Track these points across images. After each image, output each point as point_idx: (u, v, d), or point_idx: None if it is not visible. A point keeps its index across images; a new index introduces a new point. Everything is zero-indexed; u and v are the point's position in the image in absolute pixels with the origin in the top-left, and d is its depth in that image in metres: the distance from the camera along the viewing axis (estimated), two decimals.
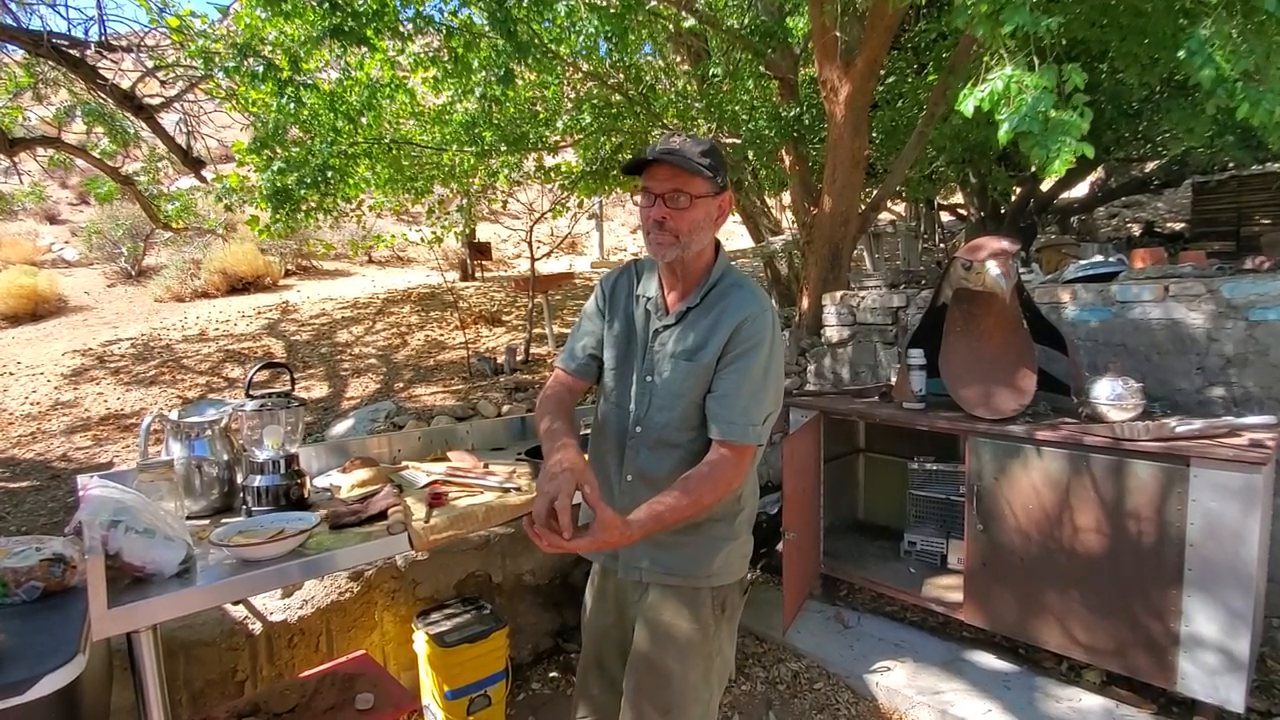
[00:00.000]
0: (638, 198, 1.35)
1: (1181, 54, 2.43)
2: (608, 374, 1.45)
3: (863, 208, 4.88)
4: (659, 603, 1.38)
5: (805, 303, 4.83)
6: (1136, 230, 9.91)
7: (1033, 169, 2.47)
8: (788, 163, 5.29)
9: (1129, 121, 6.06)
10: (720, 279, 1.37)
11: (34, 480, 4.12)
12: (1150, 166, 9.05)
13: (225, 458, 1.82)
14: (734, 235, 12.08)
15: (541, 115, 5.71)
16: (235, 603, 2.04)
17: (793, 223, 7.13)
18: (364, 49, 4.03)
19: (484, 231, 12.74)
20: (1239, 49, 2.32)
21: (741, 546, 1.42)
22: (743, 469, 1.29)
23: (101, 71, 4.89)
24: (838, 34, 4.11)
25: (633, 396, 1.39)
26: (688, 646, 1.36)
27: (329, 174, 4.47)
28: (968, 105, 2.53)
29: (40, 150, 5.82)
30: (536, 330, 6.61)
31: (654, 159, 1.28)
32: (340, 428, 4.41)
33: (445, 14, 4.27)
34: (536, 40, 4.05)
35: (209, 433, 1.81)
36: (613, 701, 1.46)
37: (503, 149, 5.46)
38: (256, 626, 2.05)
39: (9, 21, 4.60)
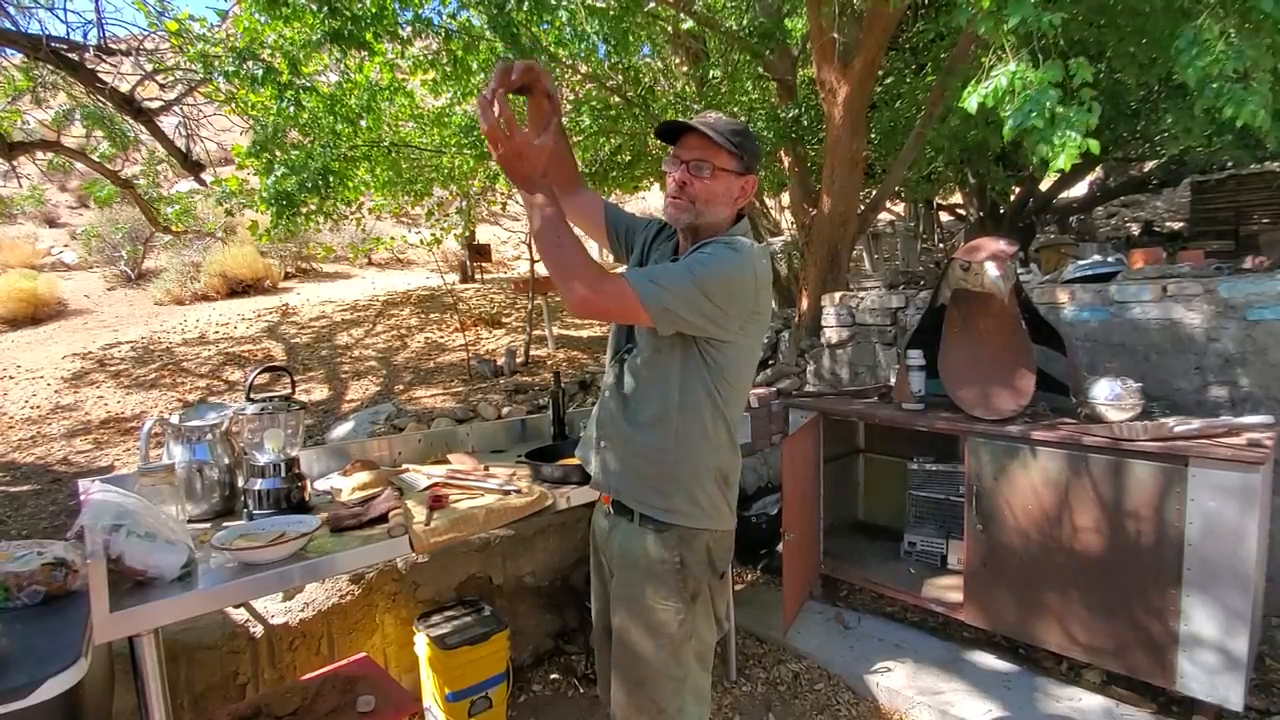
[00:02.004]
0: (666, 164, 1.42)
1: (1172, 53, 2.44)
2: None
3: (861, 208, 4.89)
4: (631, 586, 1.42)
5: (804, 304, 4.84)
6: (1135, 230, 9.91)
7: (1031, 168, 2.48)
8: (786, 164, 5.30)
9: (1127, 121, 6.06)
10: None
11: (34, 484, 4.12)
12: (1149, 166, 9.05)
13: (226, 461, 1.82)
14: None
15: None
16: (236, 606, 2.04)
17: (792, 224, 7.14)
18: (363, 52, 4.04)
19: (483, 233, 12.76)
20: (1230, 49, 2.33)
21: (713, 497, 1.42)
22: (607, 294, 1.25)
23: (100, 75, 4.89)
24: (835, 35, 4.12)
25: (621, 326, 1.49)
26: (657, 626, 1.40)
27: (329, 177, 4.48)
28: (971, 102, 2.53)
29: (39, 154, 5.83)
30: (536, 332, 6.62)
31: (687, 128, 1.36)
32: (340, 430, 4.41)
33: (444, 17, 4.28)
34: (537, 44, 4.06)
35: (210, 436, 1.81)
36: None
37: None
38: (258, 629, 2.06)
39: (8, 25, 4.60)
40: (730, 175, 1.37)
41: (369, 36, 3.61)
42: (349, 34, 3.49)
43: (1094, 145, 2.35)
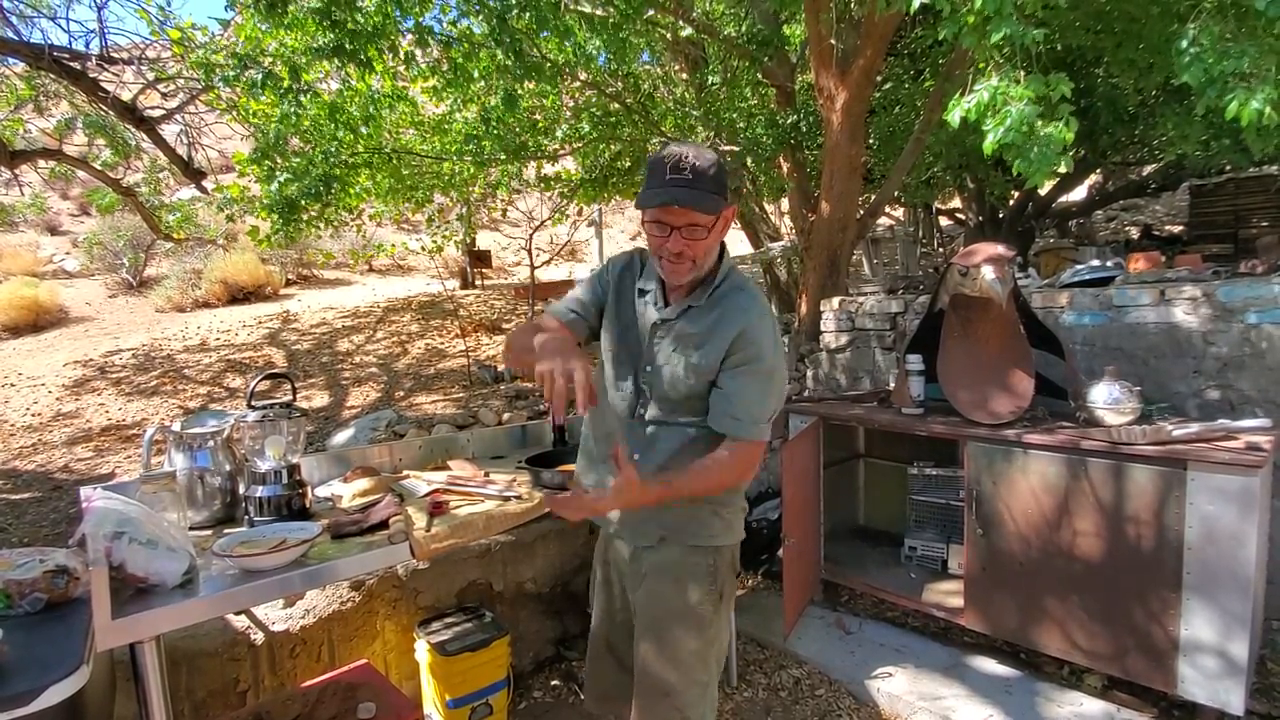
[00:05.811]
0: (644, 218, 1.35)
1: (1173, 54, 2.46)
2: (606, 360, 1.52)
3: (861, 213, 4.90)
4: (657, 589, 1.45)
5: (804, 308, 4.84)
6: (1134, 234, 9.92)
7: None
8: (786, 169, 5.31)
9: (1125, 126, 6.07)
10: (724, 280, 1.42)
11: (35, 491, 4.12)
12: (1147, 170, 9.07)
13: (227, 468, 1.83)
14: (733, 242, 12.09)
15: (541, 124, 5.74)
16: (237, 613, 2.04)
17: (791, 229, 7.15)
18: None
19: (484, 239, 12.79)
20: (1229, 50, 2.34)
21: (736, 513, 1.52)
22: (753, 462, 1.40)
23: (102, 84, 4.92)
24: (834, 42, 4.14)
25: (633, 383, 1.46)
26: (697, 626, 1.44)
27: (330, 184, 4.50)
28: (954, 115, 2.56)
29: (41, 162, 5.86)
30: None
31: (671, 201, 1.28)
32: (341, 436, 4.42)
33: (444, 24, 4.30)
34: (540, 54, 4.08)
35: (211, 443, 1.82)
36: (623, 679, 1.55)
37: (502, 158, 5.50)
38: (258, 636, 2.06)
39: (10, 35, 4.63)
40: (719, 220, 1.34)
41: (371, 52, 3.61)
42: (349, 49, 3.49)
43: (1067, 162, 2.42)
